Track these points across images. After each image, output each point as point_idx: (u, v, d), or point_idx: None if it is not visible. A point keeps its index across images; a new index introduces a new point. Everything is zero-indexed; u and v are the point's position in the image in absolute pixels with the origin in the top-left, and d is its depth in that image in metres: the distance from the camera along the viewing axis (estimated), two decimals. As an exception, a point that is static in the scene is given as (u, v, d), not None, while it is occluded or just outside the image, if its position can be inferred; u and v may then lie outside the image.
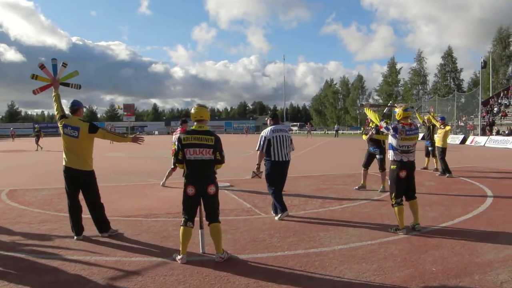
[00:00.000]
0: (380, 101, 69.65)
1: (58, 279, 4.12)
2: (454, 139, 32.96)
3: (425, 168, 13.20)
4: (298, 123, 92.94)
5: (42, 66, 6.19)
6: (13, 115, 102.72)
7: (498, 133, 33.03)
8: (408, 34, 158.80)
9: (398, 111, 5.86)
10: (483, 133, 34.32)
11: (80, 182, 5.56)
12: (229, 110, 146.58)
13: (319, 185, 10.19)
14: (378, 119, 6.16)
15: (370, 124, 9.16)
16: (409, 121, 5.84)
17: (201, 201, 4.65)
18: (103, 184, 10.28)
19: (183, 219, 4.57)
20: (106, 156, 20.37)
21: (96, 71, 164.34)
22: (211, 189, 4.53)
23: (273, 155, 6.49)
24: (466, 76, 66.70)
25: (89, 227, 5.69)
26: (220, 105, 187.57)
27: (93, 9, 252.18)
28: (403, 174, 5.69)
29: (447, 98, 48.28)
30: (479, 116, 36.36)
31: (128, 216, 6.85)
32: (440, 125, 12.11)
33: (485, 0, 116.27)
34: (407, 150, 5.70)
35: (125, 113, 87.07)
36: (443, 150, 11.78)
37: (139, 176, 12.09)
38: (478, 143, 29.91)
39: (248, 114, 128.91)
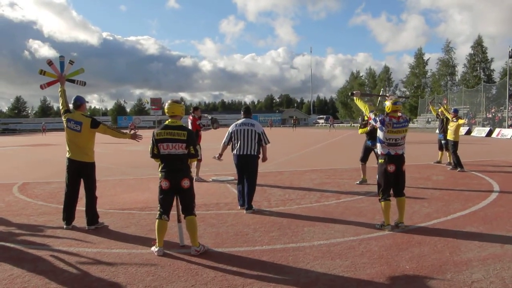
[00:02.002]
0: (407, 93, 68.05)
1: (36, 268, 4.28)
2: (480, 132, 31.94)
3: (439, 162, 12.87)
4: (324, 116, 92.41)
5: (50, 63, 6.53)
6: (45, 110, 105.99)
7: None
8: (440, 24, 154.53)
9: (387, 104, 5.74)
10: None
11: (81, 173, 5.84)
12: (256, 103, 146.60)
13: (323, 179, 10.11)
14: (367, 110, 6.05)
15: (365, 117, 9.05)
16: (399, 114, 5.71)
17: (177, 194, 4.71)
18: (111, 178, 10.64)
19: (158, 212, 4.66)
20: (126, 150, 20.83)
21: (126, 65, 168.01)
22: (185, 183, 4.59)
23: (234, 148, 6.90)
24: (500, 66, 64.04)
25: (80, 219, 5.88)
26: (248, 98, 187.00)
27: (123, 3, 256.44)
28: (391, 168, 5.56)
29: (476, 89, 46.76)
30: (507, 108, 35.02)
31: (123, 209, 7.00)
32: (452, 118, 11.73)
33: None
34: (395, 143, 5.58)
35: (153, 107, 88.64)
36: (455, 144, 11.44)
37: (149, 170, 12.29)
38: (504, 136, 28.80)
39: (274, 107, 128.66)
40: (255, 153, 6.77)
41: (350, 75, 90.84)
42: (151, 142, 4.70)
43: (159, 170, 4.73)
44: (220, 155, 7.20)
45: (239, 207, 6.89)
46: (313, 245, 4.89)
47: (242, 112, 7.18)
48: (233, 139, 6.89)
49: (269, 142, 7.00)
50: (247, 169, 6.78)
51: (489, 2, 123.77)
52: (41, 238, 5.37)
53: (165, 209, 4.63)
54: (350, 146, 23.07)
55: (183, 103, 4.93)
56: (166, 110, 4.75)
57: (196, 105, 10.91)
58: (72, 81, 6.68)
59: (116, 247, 4.92)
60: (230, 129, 6.99)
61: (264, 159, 7.05)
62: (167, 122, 4.73)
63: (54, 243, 5.12)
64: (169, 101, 4.80)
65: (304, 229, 5.56)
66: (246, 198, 6.70)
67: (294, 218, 6.19)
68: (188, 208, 4.65)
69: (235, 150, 6.83)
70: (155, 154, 4.70)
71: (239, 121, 7.00)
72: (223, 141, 7.05)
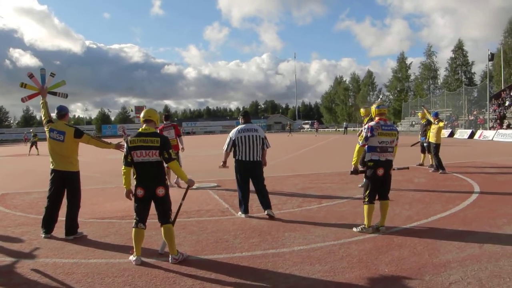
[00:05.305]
0: (391, 97, 68.92)
1: (10, 281, 4.17)
2: (462, 134, 32.46)
3: (421, 165, 13.01)
4: (310, 121, 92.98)
5: (31, 75, 6.49)
6: (28, 120, 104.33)
7: (508, 127, 32.33)
8: (423, 28, 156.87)
9: (372, 108, 5.82)
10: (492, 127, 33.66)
11: (66, 182, 5.74)
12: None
13: (306, 184, 10.11)
14: (359, 154, 5.91)
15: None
16: (384, 117, 5.75)
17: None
18: (93, 186, 10.48)
19: (134, 221, 4.59)
20: (110, 159, 20.58)
21: (110, 74, 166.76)
22: (160, 191, 4.54)
23: (237, 154, 6.72)
24: (481, 69, 64.91)
25: (59, 229, 5.76)
26: (233, 105, 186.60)
27: (106, 11, 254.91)
28: (380, 171, 5.55)
29: (457, 92, 47.51)
30: (488, 110, 35.64)
31: (104, 218, 6.89)
32: (434, 121, 11.94)
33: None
34: (386, 147, 5.57)
35: (137, 115, 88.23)
36: (437, 146, 11.60)
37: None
38: (486, 138, 29.34)
39: (260, 113, 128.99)
40: (261, 159, 6.77)
41: (334, 80, 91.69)
42: (125, 150, 4.65)
43: (134, 177, 4.67)
44: (224, 162, 6.91)
45: (242, 214, 6.76)
46: (293, 251, 4.86)
47: (241, 117, 6.96)
48: (236, 145, 6.67)
49: (270, 146, 6.94)
50: (253, 175, 6.73)
51: (472, 6, 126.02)
52: (17, 250, 5.24)
53: (141, 218, 4.57)
54: (334, 151, 23.23)
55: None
56: (142, 116, 4.71)
57: (167, 113, 10.99)
58: (54, 93, 6.68)
59: (94, 257, 4.84)
60: (232, 135, 6.74)
61: (264, 164, 6.92)
62: (140, 129, 4.68)
63: (30, 254, 5.01)
64: (145, 109, 4.77)
65: (285, 235, 5.53)
66: (264, 202, 6.69)
67: (275, 224, 6.16)
68: (165, 216, 4.59)
69: (239, 156, 6.66)
70: (128, 162, 4.63)
71: (241, 127, 6.77)
72: (224, 148, 6.85)
